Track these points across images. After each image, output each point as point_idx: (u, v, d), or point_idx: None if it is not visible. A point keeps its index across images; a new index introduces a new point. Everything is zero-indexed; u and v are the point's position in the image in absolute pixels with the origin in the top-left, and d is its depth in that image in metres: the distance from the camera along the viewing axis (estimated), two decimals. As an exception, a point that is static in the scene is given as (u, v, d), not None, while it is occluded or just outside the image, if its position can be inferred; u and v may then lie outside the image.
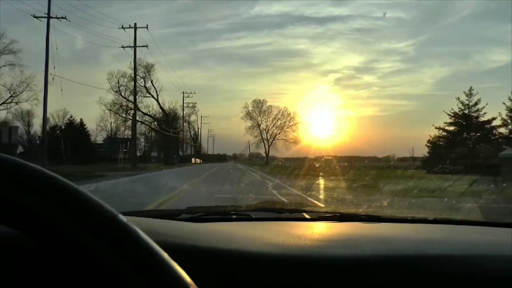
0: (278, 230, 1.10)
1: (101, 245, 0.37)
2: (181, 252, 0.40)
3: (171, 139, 61.33)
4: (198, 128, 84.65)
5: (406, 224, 1.40)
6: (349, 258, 0.80)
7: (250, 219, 1.36)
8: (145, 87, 54.22)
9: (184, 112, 74.90)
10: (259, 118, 74.46)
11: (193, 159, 73.31)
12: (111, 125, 65.08)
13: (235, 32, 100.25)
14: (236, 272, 0.73)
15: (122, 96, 52.54)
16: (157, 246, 0.39)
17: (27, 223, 0.38)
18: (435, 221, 1.42)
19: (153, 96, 55.27)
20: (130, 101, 49.49)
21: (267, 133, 73.45)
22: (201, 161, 77.53)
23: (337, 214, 1.44)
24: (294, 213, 1.54)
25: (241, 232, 1.00)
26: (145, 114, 55.57)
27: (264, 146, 72.86)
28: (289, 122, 72.84)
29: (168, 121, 61.53)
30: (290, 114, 73.09)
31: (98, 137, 63.51)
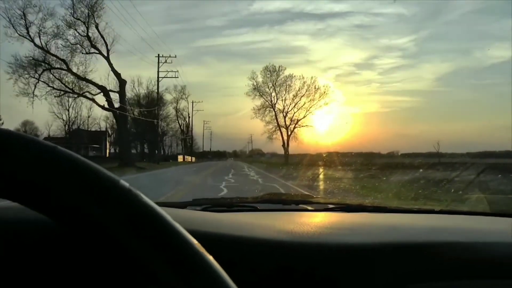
0: (286, 219, 1.11)
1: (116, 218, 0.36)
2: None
3: (148, 129, 45.48)
4: (189, 117, 65.92)
5: (413, 214, 1.40)
6: (357, 245, 0.81)
7: (256, 210, 1.36)
8: (88, 37, 29.92)
9: (171, 96, 59.50)
10: (273, 93, 51.82)
11: (180, 157, 58.96)
12: (68, 113, 49.44)
13: (235, 29, 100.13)
14: (245, 258, 0.73)
15: (35, 44, 27.81)
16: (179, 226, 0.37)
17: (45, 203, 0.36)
18: (442, 212, 1.42)
19: (100, 52, 30.70)
20: (58, 58, 29.11)
21: (285, 117, 51.05)
22: (192, 160, 64.14)
23: (344, 205, 1.44)
24: (300, 204, 1.54)
25: (248, 221, 1.00)
26: (89, 81, 30.65)
27: (282, 136, 50.72)
28: (319, 100, 50.42)
29: (148, 104, 44.74)
30: (319, 88, 50.97)
31: (54, 129, 51.18)
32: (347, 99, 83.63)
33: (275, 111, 51.95)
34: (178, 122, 67.47)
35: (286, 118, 51.53)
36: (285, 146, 50.14)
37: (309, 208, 1.47)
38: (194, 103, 65.35)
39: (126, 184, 0.38)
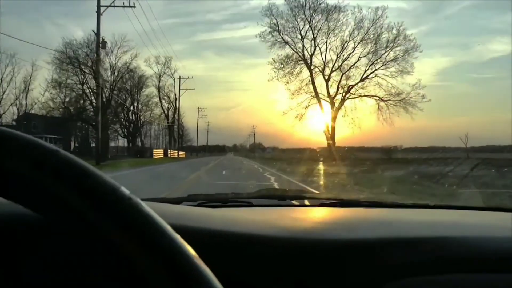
0: (280, 215, 1.11)
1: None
2: (183, 234, 0.38)
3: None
4: (175, 98, 50.96)
5: (407, 209, 1.41)
6: (352, 241, 0.81)
7: (251, 205, 1.36)
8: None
9: (152, 70, 43.27)
10: (308, 32, 29.82)
11: (158, 152, 43.28)
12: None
13: (235, 23, 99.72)
14: (238, 254, 0.73)
15: None
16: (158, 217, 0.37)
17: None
18: (436, 207, 1.43)
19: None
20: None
21: (327, 80, 29.59)
22: (180, 155, 49.06)
23: (339, 200, 1.44)
24: (295, 200, 1.54)
25: (243, 217, 1.00)
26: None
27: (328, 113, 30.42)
28: (391, 48, 28.64)
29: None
30: (389, 28, 29.49)
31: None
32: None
33: (309, 66, 28.64)
34: (161, 105, 49.89)
35: (330, 82, 28.56)
36: (331, 130, 28.93)
37: (304, 203, 1.47)
38: (182, 80, 49.50)
39: (127, 192, 0.37)
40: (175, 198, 1.47)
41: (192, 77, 52.42)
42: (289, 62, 29.58)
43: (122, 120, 45.00)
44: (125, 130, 46.23)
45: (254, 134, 79.07)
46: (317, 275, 0.75)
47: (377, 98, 29.78)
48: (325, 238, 0.82)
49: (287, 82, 30.75)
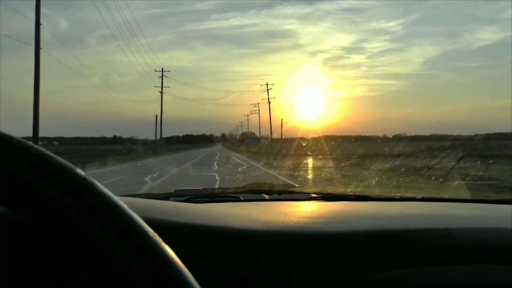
0: (265, 209, 1.10)
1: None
2: (165, 229, 0.39)
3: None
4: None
5: (394, 202, 1.42)
6: (336, 234, 0.81)
7: (238, 200, 1.35)
8: None
9: None
10: None
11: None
12: None
13: (223, 13, 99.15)
14: (219, 249, 0.73)
15: None
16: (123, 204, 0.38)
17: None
18: (423, 200, 1.44)
19: None
20: None
21: None
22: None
23: (326, 194, 1.44)
24: (283, 194, 1.54)
25: (227, 211, 1.00)
26: None
27: None
28: None
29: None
30: None
31: None
32: (335, 82, 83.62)
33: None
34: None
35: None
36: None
37: (292, 198, 1.47)
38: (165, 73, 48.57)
39: (82, 173, 0.38)
40: (162, 193, 1.46)
41: (169, 71, 52.23)
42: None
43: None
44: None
45: (248, 121, 75.83)
46: (303, 268, 0.74)
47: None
48: (311, 231, 0.81)
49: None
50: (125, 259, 0.36)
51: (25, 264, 0.60)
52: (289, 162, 20.31)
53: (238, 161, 25.94)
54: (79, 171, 0.38)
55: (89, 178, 0.38)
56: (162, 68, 51.38)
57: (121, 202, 0.38)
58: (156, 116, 50.77)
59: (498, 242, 0.84)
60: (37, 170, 0.37)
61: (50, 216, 0.37)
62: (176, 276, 0.36)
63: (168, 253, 0.37)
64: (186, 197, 1.34)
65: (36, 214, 0.37)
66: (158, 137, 51.02)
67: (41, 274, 0.60)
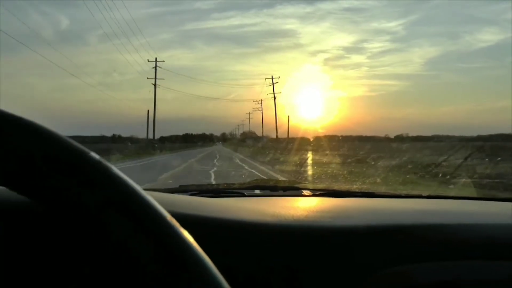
0: (272, 204, 1.10)
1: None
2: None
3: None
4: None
5: (400, 199, 1.41)
6: (345, 228, 0.80)
7: (243, 195, 1.35)
8: None
9: None
10: None
11: None
12: None
13: (224, 12, 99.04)
14: (229, 241, 0.73)
15: None
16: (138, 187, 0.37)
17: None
18: (430, 197, 1.43)
19: None
20: None
21: None
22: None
23: (331, 191, 1.44)
24: (288, 191, 1.54)
25: (234, 205, 0.99)
26: None
27: None
28: None
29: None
30: None
31: None
32: (335, 82, 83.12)
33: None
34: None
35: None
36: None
37: (297, 193, 1.47)
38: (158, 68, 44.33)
39: (97, 156, 0.37)
40: (167, 188, 1.46)
41: (163, 61, 46.95)
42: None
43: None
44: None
45: (250, 120, 74.81)
46: (308, 262, 0.74)
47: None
48: (316, 226, 0.81)
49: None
50: (141, 243, 0.35)
51: (37, 252, 0.60)
52: (319, 170, 12.23)
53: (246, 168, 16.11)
54: (94, 154, 0.37)
55: (104, 161, 0.37)
56: (156, 58, 45.79)
57: (137, 186, 0.37)
58: (148, 111, 44.65)
59: (504, 238, 0.83)
60: (50, 152, 0.35)
61: (63, 198, 0.36)
62: (198, 263, 0.35)
63: (187, 239, 0.36)
64: (190, 192, 1.35)
65: (48, 197, 0.36)
66: (151, 135, 44.73)
67: (53, 262, 0.60)
